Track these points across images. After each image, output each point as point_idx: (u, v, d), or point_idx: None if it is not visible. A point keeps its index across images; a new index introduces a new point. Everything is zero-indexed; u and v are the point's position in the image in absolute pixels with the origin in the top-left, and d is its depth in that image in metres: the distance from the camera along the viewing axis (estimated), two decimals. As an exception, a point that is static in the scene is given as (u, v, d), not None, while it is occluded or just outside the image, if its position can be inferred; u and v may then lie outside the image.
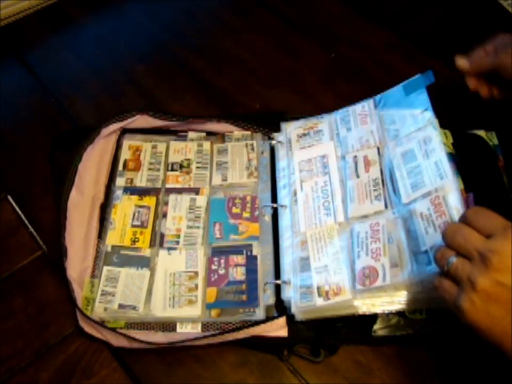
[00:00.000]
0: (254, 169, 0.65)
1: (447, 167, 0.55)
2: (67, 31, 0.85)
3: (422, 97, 0.61)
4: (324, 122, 0.65)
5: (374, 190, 0.58)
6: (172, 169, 0.66)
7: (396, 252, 0.54)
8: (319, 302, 0.53)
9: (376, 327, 0.53)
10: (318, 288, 0.53)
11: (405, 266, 0.53)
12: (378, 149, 0.61)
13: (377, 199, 0.57)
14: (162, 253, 0.60)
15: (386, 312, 0.52)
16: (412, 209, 0.54)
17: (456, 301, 0.42)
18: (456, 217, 0.51)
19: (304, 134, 0.65)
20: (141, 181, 0.65)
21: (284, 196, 0.62)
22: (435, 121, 0.63)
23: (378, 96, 0.65)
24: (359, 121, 0.63)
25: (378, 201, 0.57)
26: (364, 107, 0.64)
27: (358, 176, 0.59)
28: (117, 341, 0.55)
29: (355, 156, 0.61)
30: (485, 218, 0.44)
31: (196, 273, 0.59)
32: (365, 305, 0.52)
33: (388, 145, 0.61)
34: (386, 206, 0.56)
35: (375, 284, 0.51)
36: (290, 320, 0.54)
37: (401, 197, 0.56)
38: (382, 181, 0.58)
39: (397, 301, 0.51)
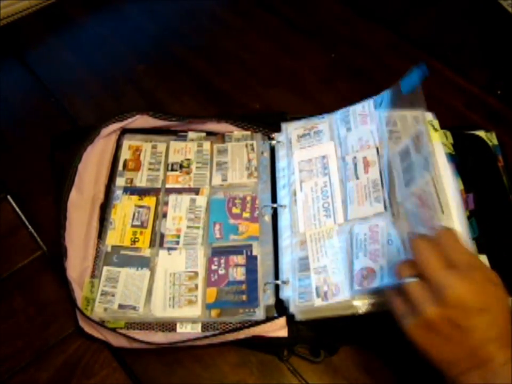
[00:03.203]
0: (254, 169, 0.65)
1: (439, 160, 0.56)
2: (67, 30, 0.85)
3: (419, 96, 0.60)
4: (325, 122, 0.65)
5: (374, 191, 0.58)
6: (172, 169, 0.66)
7: (395, 253, 0.54)
8: (318, 302, 0.53)
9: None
10: (317, 288, 0.53)
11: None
12: (377, 149, 0.61)
13: (376, 200, 0.57)
14: (162, 253, 0.60)
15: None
16: (406, 208, 0.54)
17: (403, 318, 0.44)
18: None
19: (305, 134, 0.65)
20: (141, 181, 0.65)
21: (283, 196, 0.62)
22: (435, 122, 0.63)
23: (378, 97, 0.65)
24: (359, 121, 0.63)
25: (377, 203, 0.57)
26: (364, 107, 0.64)
27: (357, 178, 0.59)
28: (117, 341, 0.55)
29: (354, 157, 0.61)
30: (455, 246, 0.44)
31: (196, 273, 0.59)
32: (365, 305, 0.52)
33: (387, 145, 0.60)
34: (385, 208, 0.56)
35: (372, 284, 0.51)
36: (290, 320, 0.54)
37: (396, 197, 0.56)
38: (381, 181, 0.58)
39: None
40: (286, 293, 0.55)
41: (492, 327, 0.42)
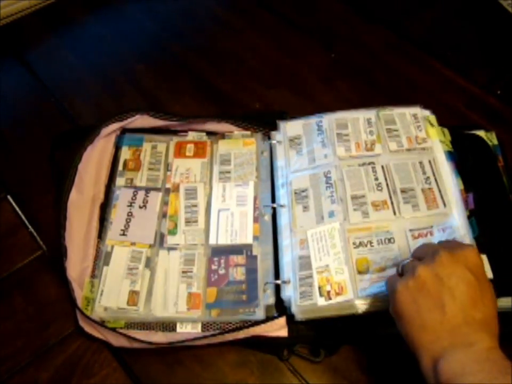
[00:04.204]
0: (254, 169, 0.65)
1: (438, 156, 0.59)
2: (67, 30, 0.85)
3: None
4: (324, 121, 0.65)
5: (381, 199, 0.58)
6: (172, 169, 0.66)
7: (397, 251, 0.54)
8: (321, 301, 0.53)
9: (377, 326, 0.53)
10: (320, 288, 0.53)
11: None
12: (380, 158, 0.61)
13: (384, 208, 0.57)
14: (162, 253, 0.60)
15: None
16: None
17: (394, 283, 0.44)
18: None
19: (304, 133, 0.65)
20: (141, 181, 0.65)
21: (282, 195, 0.62)
22: (432, 117, 0.63)
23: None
24: (361, 128, 0.63)
25: (384, 210, 0.57)
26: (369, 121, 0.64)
27: (365, 183, 0.59)
28: (117, 341, 0.55)
29: (359, 164, 0.61)
30: (452, 241, 0.49)
31: (196, 273, 0.58)
32: (365, 305, 0.52)
33: (391, 157, 0.61)
34: (394, 213, 0.57)
35: None
36: (290, 320, 0.54)
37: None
38: (388, 189, 0.58)
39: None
40: (287, 292, 0.55)
41: (477, 306, 0.42)
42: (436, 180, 0.58)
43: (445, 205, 0.56)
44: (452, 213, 0.56)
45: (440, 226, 0.55)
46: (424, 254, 0.46)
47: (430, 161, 0.60)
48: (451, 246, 0.46)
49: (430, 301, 0.42)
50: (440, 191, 0.58)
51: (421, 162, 0.60)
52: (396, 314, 0.44)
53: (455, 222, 0.55)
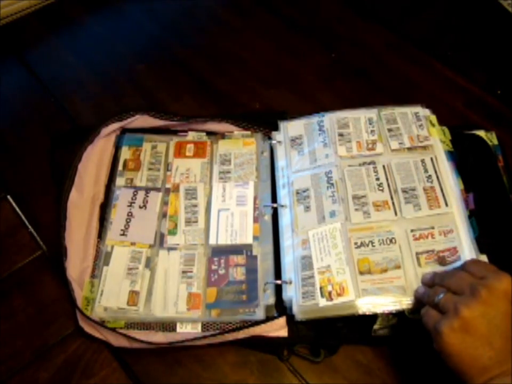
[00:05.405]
0: (254, 169, 0.65)
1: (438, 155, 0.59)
2: (67, 30, 0.85)
3: None
4: (325, 121, 0.65)
5: (382, 200, 0.58)
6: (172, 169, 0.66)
7: (398, 252, 0.54)
8: (322, 302, 0.53)
9: (376, 327, 0.53)
10: (321, 288, 0.53)
11: (407, 267, 0.53)
12: (382, 157, 0.61)
13: (385, 208, 0.57)
14: (162, 253, 0.60)
15: (386, 312, 0.52)
16: None
17: (437, 323, 0.44)
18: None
19: (305, 133, 0.65)
20: (141, 181, 0.65)
21: (283, 195, 0.62)
22: (433, 117, 0.63)
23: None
24: (363, 128, 0.63)
25: (386, 211, 0.57)
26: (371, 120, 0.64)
27: (366, 183, 0.59)
28: (117, 341, 0.55)
29: (360, 163, 0.61)
30: (480, 265, 0.48)
31: (196, 273, 0.58)
32: (366, 305, 0.52)
33: (392, 156, 0.61)
34: (396, 214, 0.57)
35: None
36: (290, 320, 0.54)
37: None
38: (390, 189, 0.58)
39: (398, 301, 0.51)
40: (289, 292, 0.55)
41: None
42: (437, 177, 0.58)
43: (446, 204, 0.56)
44: (453, 212, 0.56)
45: (441, 228, 0.55)
46: (460, 289, 0.45)
47: (432, 159, 0.60)
48: (485, 276, 0.45)
49: (478, 340, 0.42)
50: (442, 189, 0.58)
51: (422, 160, 0.60)
52: (441, 352, 0.44)
53: (457, 224, 0.55)
